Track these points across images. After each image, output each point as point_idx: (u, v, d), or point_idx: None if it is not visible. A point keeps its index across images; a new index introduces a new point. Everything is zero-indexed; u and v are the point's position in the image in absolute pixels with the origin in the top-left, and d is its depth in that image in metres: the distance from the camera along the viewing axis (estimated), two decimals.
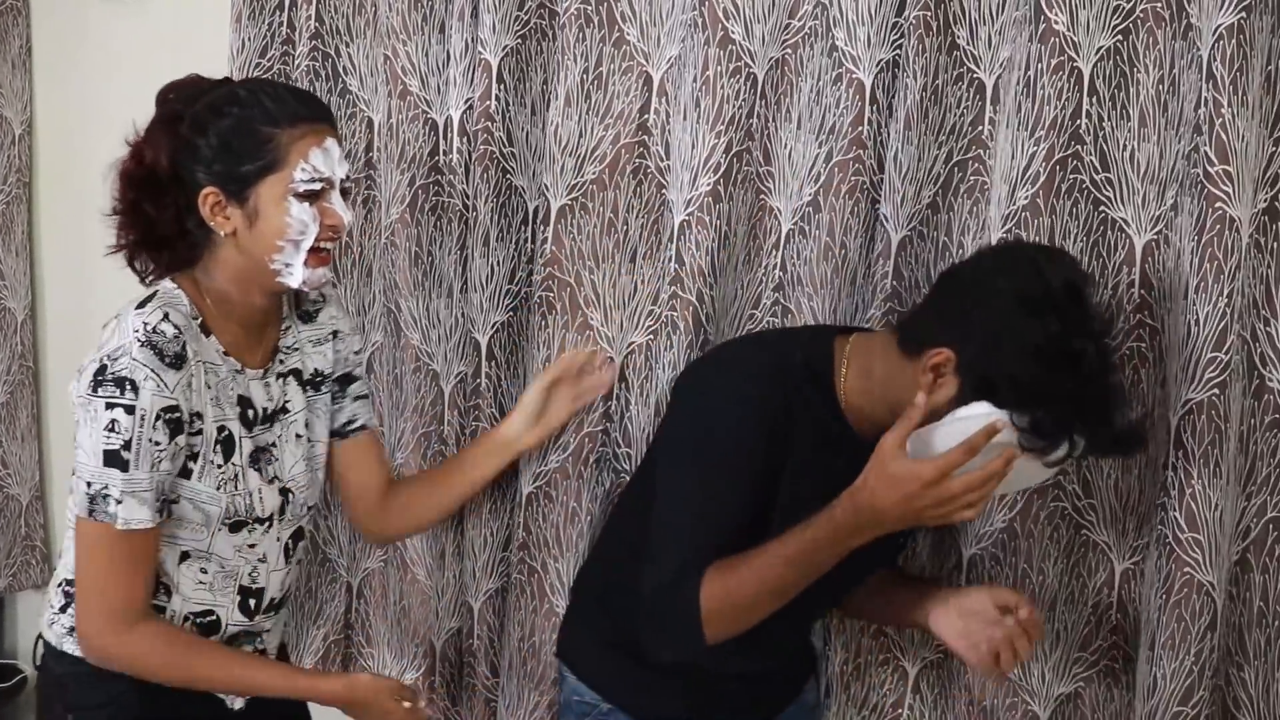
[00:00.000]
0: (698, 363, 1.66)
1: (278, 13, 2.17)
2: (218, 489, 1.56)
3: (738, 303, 1.83)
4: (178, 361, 1.48)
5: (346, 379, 1.80)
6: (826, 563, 1.40)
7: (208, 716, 1.65)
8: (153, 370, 1.45)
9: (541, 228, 1.90)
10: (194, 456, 1.53)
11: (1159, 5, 1.55)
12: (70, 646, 1.59)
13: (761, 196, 1.79)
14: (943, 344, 1.37)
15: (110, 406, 1.45)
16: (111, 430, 1.45)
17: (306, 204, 1.53)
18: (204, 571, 1.60)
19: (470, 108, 1.93)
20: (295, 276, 1.56)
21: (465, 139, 1.95)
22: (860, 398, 1.48)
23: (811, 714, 1.80)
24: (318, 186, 1.53)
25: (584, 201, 1.88)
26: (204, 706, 1.64)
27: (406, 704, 1.61)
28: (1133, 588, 1.65)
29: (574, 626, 1.77)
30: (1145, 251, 1.59)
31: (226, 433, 1.57)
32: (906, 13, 1.63)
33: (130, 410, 1.45)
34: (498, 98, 1.89)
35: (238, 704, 1.68)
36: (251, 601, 1.66)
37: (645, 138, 1.86)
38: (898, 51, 1.66)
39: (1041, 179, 1.55)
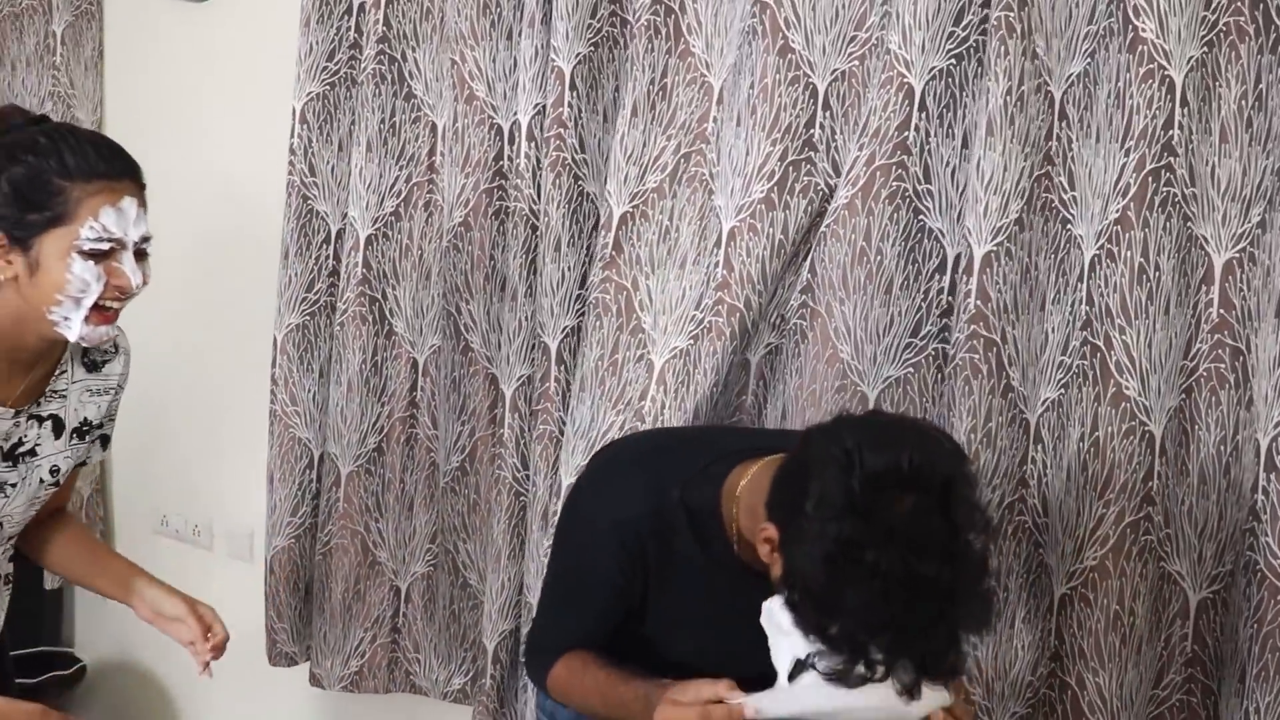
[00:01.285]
0: (597, 464, 1.55)
1: (345, 17, 2.09)
2: None
3: (775, 302, 1.73)
4: None
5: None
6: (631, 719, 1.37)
7: None
8: None
9: (603, 233, 1.80)
10: None
11: (1243, 20, 1.44)
12: None
13: (824, 204, 1.68)
14: (773, 519, 1.24)
15: None
16: None
17: (91, 262, 1.39)
18: None
19: (541, 113, 1.84)
20: (74, 331, 1.42)
21: (534, 144, 1.85)
22: (750, 535, 1.33)
23: None
24: (105, 246, 1.39)
25: (644, 209, 1.78)
26: None
27: None
28: (1211, 618, 1.52)
29: None
30: (1225, 270, 1.48)
31: None
32: (970, 18, 1.52)
33: None
34: (571, 104, 1.80)
35: None
36: None
37: (703, 146, 1.76)
38: (952, 61, 1.55)
39: (1133, 190, 1.43)
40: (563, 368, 1.89)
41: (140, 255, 1.44)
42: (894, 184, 1.59)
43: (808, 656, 1.19)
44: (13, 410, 1.48)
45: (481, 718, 2.06)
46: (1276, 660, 1.40)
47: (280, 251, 2.16)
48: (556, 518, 1.57)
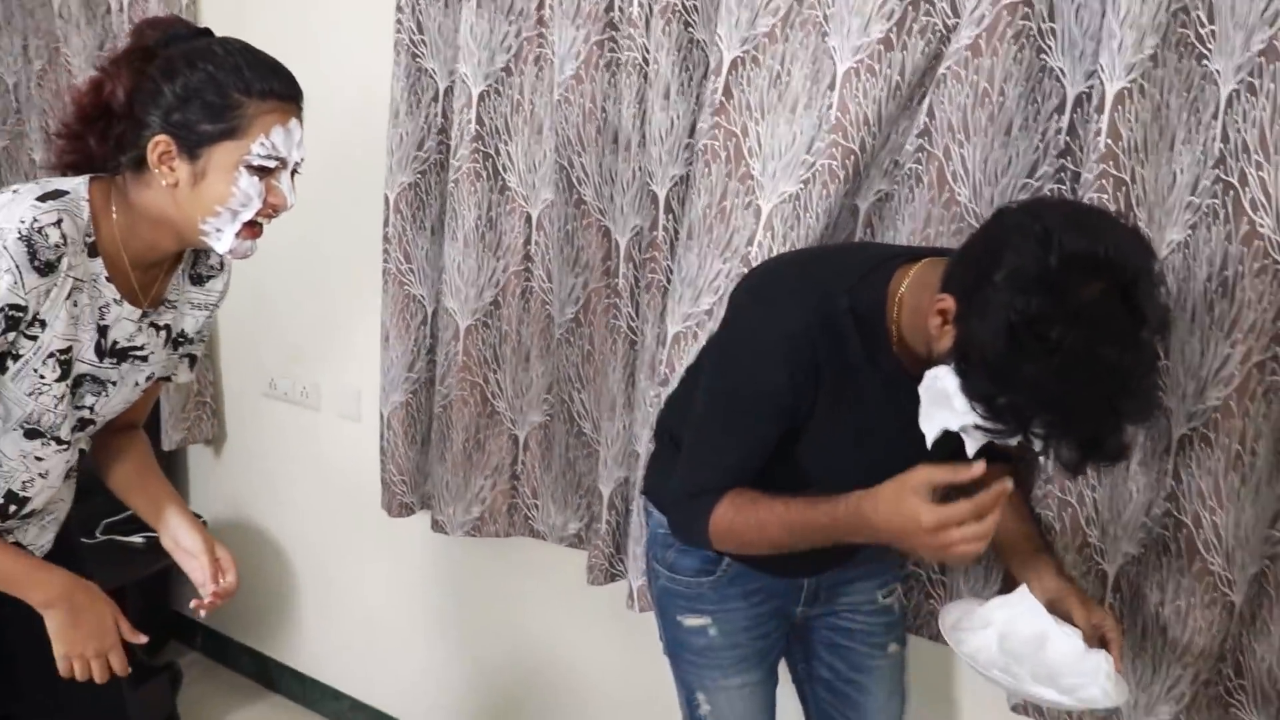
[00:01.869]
0: (752, 283, 1.51)
1: None
2: (29, 395, 1.45)
3: (887, 149, 1.71)
4: (46, 269, 1.36)
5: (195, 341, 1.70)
6: (820, 541, 1.41)
7: None
8: (17, 266, 1.33)
9: (713, 79, 1.78)
10: (16, 356, 1.42)
11: None
12: None
13: (941, 45, 1.65)
14: (952, 291, 1.24)
15: None
16: None
17: (256, 178, 1.42)
18: None
19: None
20: (224, 243, 1.44)
21: None
22: (910, 333, 1.35)
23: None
24: (271, 164, 1.42)
25: (755, 54, 1.76)
26: None
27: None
28: None
29: (655, 467, 1.73)
30: None
31: (70, 355, 1.46)
32: None
33: None
34: None
35: None
36: (12, 507, 1.55)
37: None
38: None
39: None
40: (671, 216, 1.90)
41: (293, 174, 1.46)
42: (1020, 23, 1.56)
43: (961, 428, 1.23)
44: (140, 312, 1.52)
45: (597, 560, 2.14)
46: None
47: (390, 110, 2.18)
48: (715, 349, 1.54)
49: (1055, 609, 1.49)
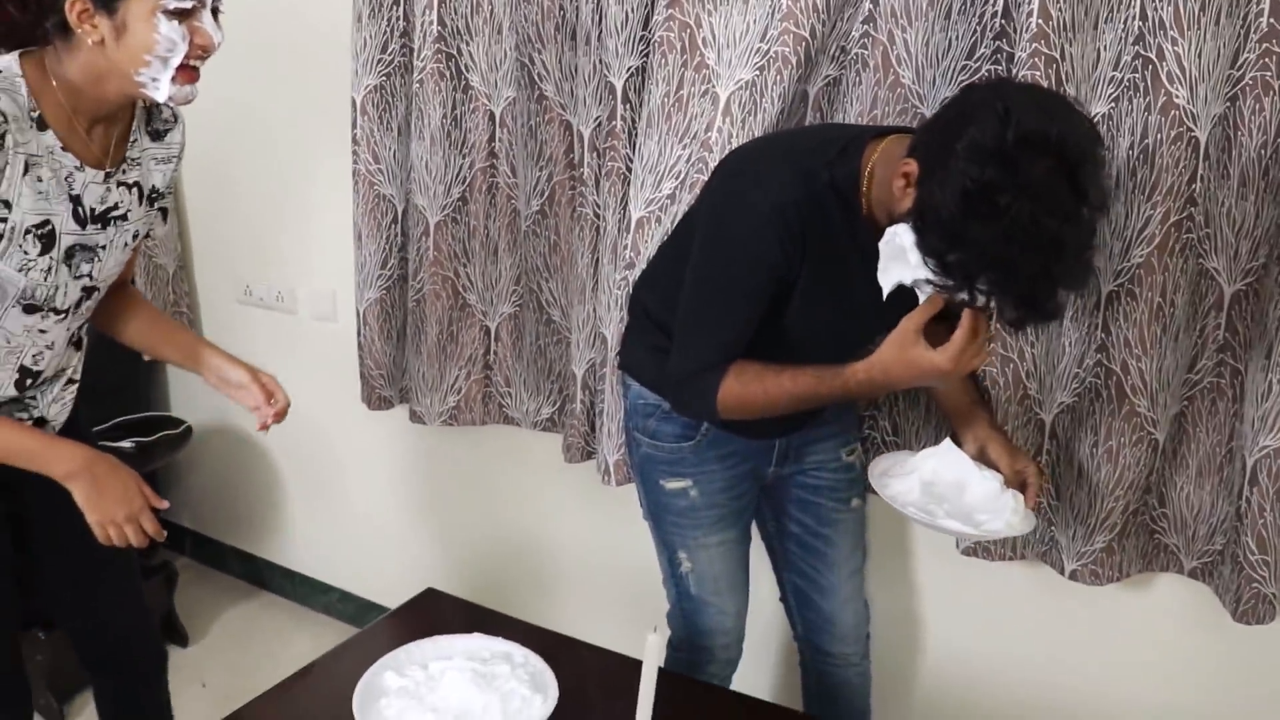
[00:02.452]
0: (736, 164, 1.62)
1: None
2: (20, 271, 1.51)
3: (835, 35, 1.82)
4: None
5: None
6: (827, 403, 1.60)
7: None
8: None
9: None
10: None
11: None
12: None
13: None
14: (917, 157, 1.38)
15: None
16: None
17: (176, 22, 1.44)
18: None
19: None
20: (162, 91, 1.48)
21: None
22: (877, 204, 1.49)
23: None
24: (188, 5, 1.45)
25: None
26: None
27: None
28: (1244, 308, 1.68)
29: (631, 341, 1.87)
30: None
31: (50, 227, 1.52)
32: None
33: None
34: None
35: None
36: (28, 380, 1.64)
37: None
38: None
39: None
40: (628, 106, 2.00)
41: (214, 13, 1.50)
42: None
43: (914, 281, 1.38)
44: (103, 174, 1.58)
45: (574, 439, 2.28)
46: None
47: (353, 15, 2.24)
48: (701, 232, 1.61)
49: (984, 457, 1.66)
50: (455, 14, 2.16)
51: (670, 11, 1.86)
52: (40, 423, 1.68)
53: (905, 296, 1.44)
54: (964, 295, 1.37)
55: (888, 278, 1.41)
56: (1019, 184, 1.27)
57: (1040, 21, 1.60)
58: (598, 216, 2.11)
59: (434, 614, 1.76)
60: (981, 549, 1.94)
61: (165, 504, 1.62)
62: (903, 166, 1.38)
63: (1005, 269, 1.31)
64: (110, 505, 1.54)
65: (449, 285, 2.32)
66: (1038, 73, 1.62)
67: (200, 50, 1.49)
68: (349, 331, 2.54)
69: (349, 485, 2.86)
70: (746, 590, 1.93)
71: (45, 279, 1.54)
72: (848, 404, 1.89)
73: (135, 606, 1.88)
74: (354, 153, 2.32)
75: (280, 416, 1.77)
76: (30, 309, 1.56)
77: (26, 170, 1.46)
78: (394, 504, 2.79)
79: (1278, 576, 1.69)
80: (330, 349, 2.72)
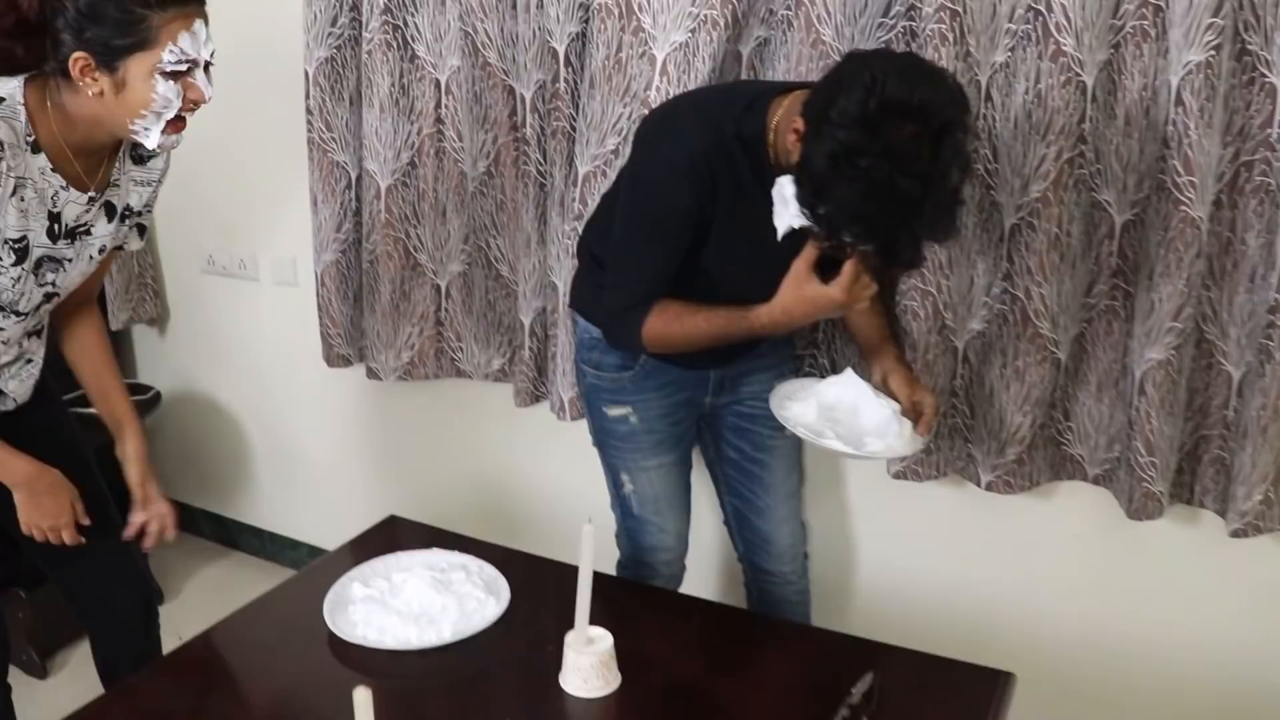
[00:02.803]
0: (654, 120, 1.77)
1: None
2: None
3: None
4: None
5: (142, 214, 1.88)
6: (740, 340, 1.76)
7: None
8: None
9: None
10: None
11: None
12: None
13: None
14: (804, 116, 1.52)
15: None
16: None
17: (172, 81, 1.56)
18: None
19: None
20: (153, 139, 1.61)
21: None
22: (784, 156, 1.62)
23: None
24: (184, 67, 1.57)
25: None
26: None
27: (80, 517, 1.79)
28: (1133, 234, 1.86)
29: (579, 282, 2.03)
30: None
31: (25, 241, 1.63)
32: None
33: None
34: None
35: (7, 406, 1.83)
36: None
37: None
38: None
39: None
40: (570, 69, 2.14)
41: (206, 70, 1.62)
42: None
43: (798, 227, 1.54)
44: (87, 195, 1.70)
45: (523, 385, 2.43)
46: (1175, 259, 1.75)
47: None
48: (625, 180, 1.79)
49: (886, 387, 1.83)
50: None
51: None
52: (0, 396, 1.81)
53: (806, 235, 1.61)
54: (833, 243, 1.53)
55: (780, 222, 1.57)
56: (878, 148, 1.40)
57: None
58: (541, 174, 2.25)
59: (395, 536, 1.92)
60: (909, 470, 2.11)
61: (86, 522, 1.82)
62: (793, 123, 1.53)
63: (866, 223, 1.47)
64: (38, 517, 1.76)
65: (400, 246, 2.45)
66: (943, 25, 1.78)
67: (192, 104, 1.62)
68: (309, 296, 2.66)
69: (311, 443, 2.99)
70: (687, 511, 2.10)
71: (14, 286, 1.66)
72: (783, 339, 2.04)
73: (119, 554, 2.00)
74: (308, 122, 2.44)
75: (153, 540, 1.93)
76: None
77: (15, 190, 1.58)
78: (356, 459, 2.93)
79: (1164, 476, 1.88)
80: (292, 313, 2.84)
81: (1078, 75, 1.77)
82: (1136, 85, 1.77)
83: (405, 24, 2.31)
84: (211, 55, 1.62)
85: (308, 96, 2.42)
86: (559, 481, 2.62)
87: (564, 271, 2.20)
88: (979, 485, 2.07)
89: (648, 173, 1.73)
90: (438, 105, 2.35)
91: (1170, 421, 1.86)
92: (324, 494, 3.03)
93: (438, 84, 2.33)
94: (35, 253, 1.66)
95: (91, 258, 1.79)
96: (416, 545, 1.77)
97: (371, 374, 2.59)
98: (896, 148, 1.41)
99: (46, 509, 1.77)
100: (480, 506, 2.75)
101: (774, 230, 1.62)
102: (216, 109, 2.78)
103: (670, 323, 1.76)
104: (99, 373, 1.96)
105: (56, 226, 1.67)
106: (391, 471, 2.89)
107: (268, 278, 2.89)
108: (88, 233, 1.75)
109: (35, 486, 1.75)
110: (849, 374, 1.81)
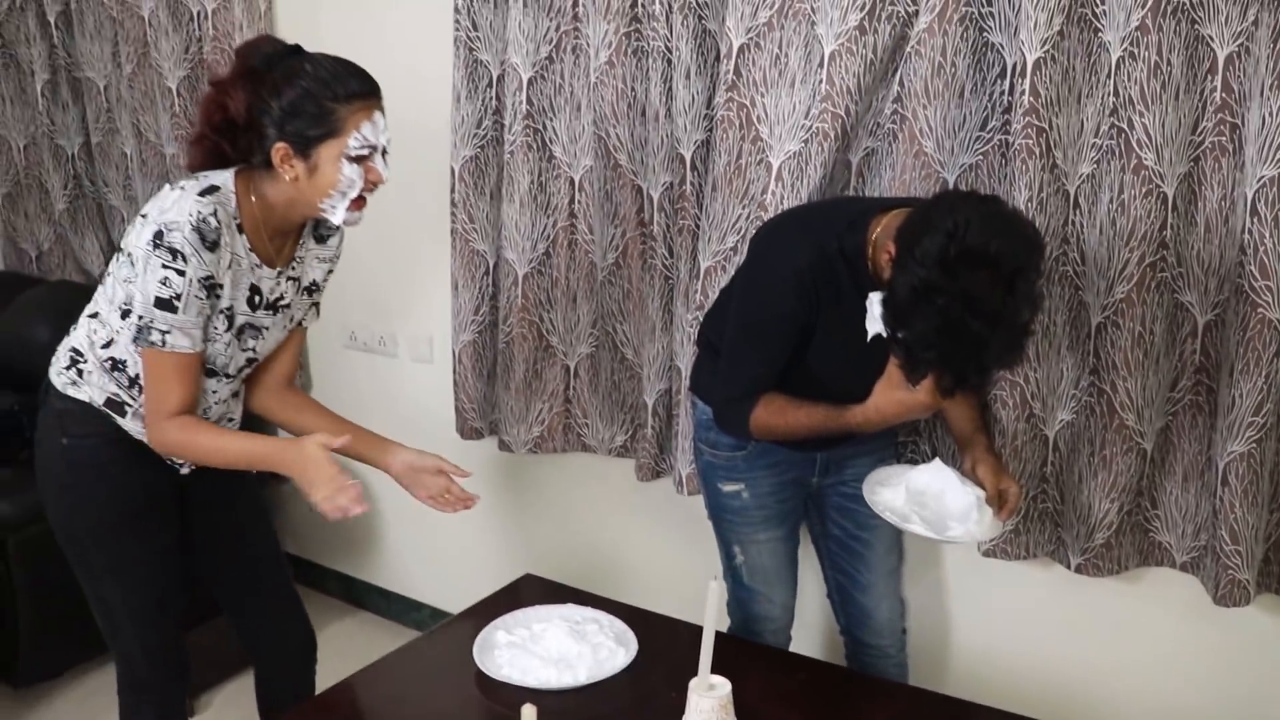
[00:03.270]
0: (766, 232, 2.02)
1: None
2: (209, 341, 1.93)
3: (870, 114, 2.21)
4: (214, 246, 1.83)
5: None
6: (836, 434, 1.98)
7: (164, 471, 2.05)
8: (196, 250, 1.80)
9: (724, 62, 2.28)
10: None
11: None
12: (73, 391, 1.97)
13: (905, 29, 2.14)
14: (896, 241, 1.72)
15: (165, 267, 1.80)
16: (164, 284, 1.81)
17: (356, 164, 1.86)
18: None
19: None
20: (338, 216, 1.91)
21: None
22: (880, 268, 1.84)
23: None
24: (366, 152, 1.87)
25: (758, 40, 2.25)
26: (161, 464, 2.03)
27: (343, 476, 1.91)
28: (1214, 335, 2.03)
29: (699, 368, 2.25)
30: (1226, 62, 1.92)
31: (232, 311, 1.93)
32: None
33: (181, 274, 1.81)
34: None
35: (185, 470, 2.07)
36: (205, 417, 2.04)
37: None
38: None
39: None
40: (695, 173, 2.40)
41: (384, 154, 1.93)
42: (964, 8, 2.05)
43: (878, 334, 1.76)
44: (276, 270, 2.02)
45: (645, 460, 2.66)
46: (1254, 358, 1.91)
47: (452, 96, 2.68)
48: (739, 285, 2.05)
49: (974, 474, 2.01)
50: (541, 95, 2.58)
51: (730, 95, 2.27)
52: None
53: None
54: (910, 363, 1.73)
55: (871, 328, 1.79)
56: (954, 290, 1.59)
57: (1031, 99, 1.98)
58: (666, 268, 2.51)
59: (532, 592, 2.15)
60: (1000, 549, 2.28)
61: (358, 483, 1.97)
62: (888, 246, 1.75)
63: (939, 354, 1.68)
64: (322, 493, 1.89)
65: (534, 329, 2.72)
66: (1030, 140, 1.99)
67: (372, 185, 1.93)
68: (444, 372, 2.95)
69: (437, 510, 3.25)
70: (793, 584, 2.29)
71: (224, 351, 1.98)
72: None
73: (289, 597, 2.28)
74: (452, 214, 2.75)
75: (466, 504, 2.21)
76: (210, 373, 1.99)
77: (229, 265, 1.90)
78: (482, 526, 3.18)
79: (1249, 564, 2.02)
80: (427, 387, 3.13)
81: (1159, 186, 1.96)
82: (1215, 196, 1.96)
83: (544, 127, 2.60)
84: (388, 141, 1.92)
85: (453, 190, 2.73)
86: (675, 551, 2.84)
87: (686, 357, 2.45)
88: (1069, 568, 2.22)
89: (758, 282, 1.97)
90: (571, 201, 2.63)
91: (1254, 511, 2.00)
92: (449, 558, 3.28)
93: (572, 182, 2.62)
94: (239, 320, 1.96)
95: (285, 327, 2.10)
96: (552, 601, 2.01)
97: (504, 446, 2.85)
98: (971, 292, 1.60)
99: (319, 482, 1.88)
100: (601, 572, 2.97)
101: (852, 332, 1.84)
102: (370, 200, 3.12)
103: (774, 415, 1.99)
104: (303, 405, 2.25)
105: (257, 298, 1.98)
106: (515, 537, 3.14)
107: (406, 354, 3.20)
108: (287, 306, 2.07)
109: (311, 475, 1.90)
110: (937, 463, 2.00)
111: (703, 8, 2.32)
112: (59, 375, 2.01)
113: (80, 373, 1.98)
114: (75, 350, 2.00)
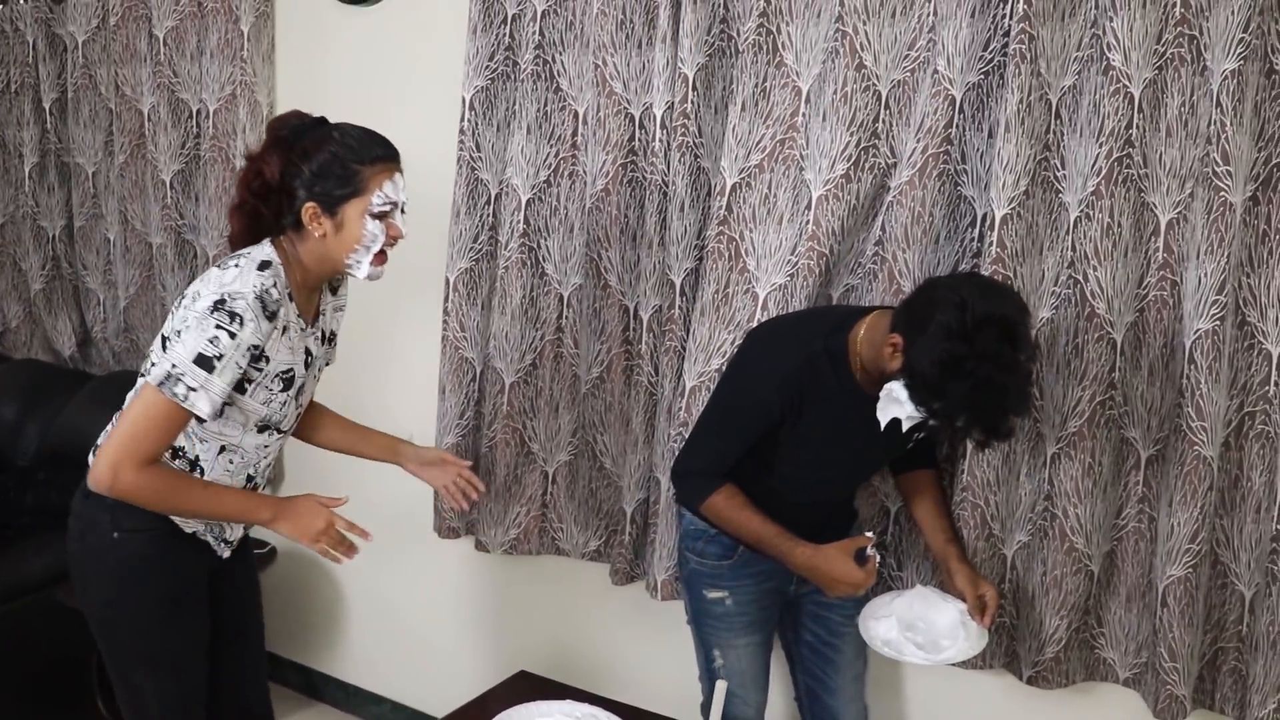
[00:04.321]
0: (755, 336, 2.34)
1: (503, 25, 2.83)
2: (263, 404, 2.13)
3: (852, 253, 2.50)
4: (272, 317, 2.04)
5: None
6: (779, 559, 2.25)
7: (204, 560, 2.23)
8: (255, 318, 2.00)
9: (718, 198, 2.55)
10: (250, 381, 2.08)
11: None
12: None
13: (886, 179, 2.44)
14: (899, 332, 2.04)
15: (219, 328, 1.97)
16: (212, 343, 1.97)
17: (378, 220, 2.11)
18: (231, 462, 2.17)
19: (670, 108, 2.60)
20: (362, 271, 2.15)
21: (665, 131, 2.62)
22: (869, 363, 2.17)
23: None
24: (387, 208, 2.12)
25: (749, 180, 2.54)
26: (203, 554, 2.22)
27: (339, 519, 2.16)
28: (1156, 468, 2.31)
29: None
30: (1168, 226, 2.24)
31: (291, 373, 2.15)
32: (995, 45, 2.28)
33: (233, 336, 1.98)
34: (692, 102, 2.56)
35: (225, 554, 2.27)
36: (250, 485, 2.25)
37: (794, 134, 2.51)
38: (982, 77, 2.31)
39: (1104, 170, 2.20)
40: (685, 299, 2.66)
41: (402, 210, 2.18)
42: (941, 165, 2.35)
43: (907, 417, 2.02)
44: (311, 327, 2.24)
45: (620, 565, 2.87)
46: (1190, 491, 2.19)
47: (452, 211, 2.92)
48: (726, 373, 2.37)
49: (952, 584, 2.27)
50: (537, 215, 2.83)
51: (721, 229, 2.54)
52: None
53: (888, 434, 2.09)
54: (945, 428, 2.03)
55: (884, 415, 2.07)
56: (977, 353, 1.92)
57: (999, 250, 2.27)
58: (652, 385, 2.75)
59: (527, 688, 2.33)
60: (983, 660, 2.49)
61: (344, 499, 2.22)
62: (890, 340, 2.04)
63: (974, 412, 1.98)
64: (306, 524, 2.12)
65: (517, 435, 2.94)
66: None
67: (392, 239, 2.17)
68: None
69: (408, 605, 3.42)
70: (766, 687, 2.50)
71: (280, 409, 2.18)
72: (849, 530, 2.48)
73: (263, 678, 2.45)
74: (444, 321, 2.97)
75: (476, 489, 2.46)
76: (263, 428, 2.19)
77: (284, 332, 2.11)
78: (452, 621, 3.35)
79: (1186, 680, 2.27)
80: (403, 485, 3.28)
81: (1109, 333, 2.26)
82: (1158, 344, 2.26)
83: (539, 246, 2.85)
84: (406, 200, 2.15)
85: (446, 299, 2.95)
86: (647, 655, 3.03)
87: (665, 469, 2.68)
88: (1020, 679, 2.47)
89: (745, 372, 2.28)
90: (560, 316, 2.87)
91: (1190, 631, 2.26)
92: (414, 653, 3.44)
93: (561, 299, 2.86)
94: (297, 381, 2.18)
95: (315, 375, 2.31)
96: (551, 696, 2.21)
97: (480, 546, 3.04)
98: (990, 352, 1.92)
99: (306, 524, 2.12)
100: (569, 672, 3.14)
101: (857, 429, 2.14)
102: (363, 303, 3.34)
103: (731, 509, 2.27)
104: (348, 424, 2.56)
105: (309, 359, 2.20)
106: (484, 634, 3.31)
107: None
108: (317, 357, 2.28)
109: (280, 507, 2.14)
110: (918, 588, 2.30)
111: (698, 146, 2.61)
112: None
113: None
114: None
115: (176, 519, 2.13)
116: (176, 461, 2.13)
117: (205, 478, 2.14)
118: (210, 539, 2.22)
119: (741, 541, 2.29)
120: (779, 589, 2.43)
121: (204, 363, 1.98)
